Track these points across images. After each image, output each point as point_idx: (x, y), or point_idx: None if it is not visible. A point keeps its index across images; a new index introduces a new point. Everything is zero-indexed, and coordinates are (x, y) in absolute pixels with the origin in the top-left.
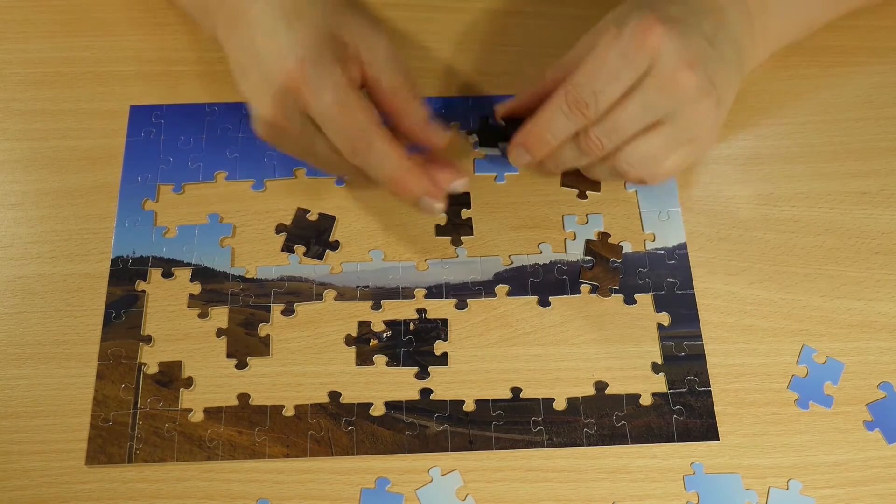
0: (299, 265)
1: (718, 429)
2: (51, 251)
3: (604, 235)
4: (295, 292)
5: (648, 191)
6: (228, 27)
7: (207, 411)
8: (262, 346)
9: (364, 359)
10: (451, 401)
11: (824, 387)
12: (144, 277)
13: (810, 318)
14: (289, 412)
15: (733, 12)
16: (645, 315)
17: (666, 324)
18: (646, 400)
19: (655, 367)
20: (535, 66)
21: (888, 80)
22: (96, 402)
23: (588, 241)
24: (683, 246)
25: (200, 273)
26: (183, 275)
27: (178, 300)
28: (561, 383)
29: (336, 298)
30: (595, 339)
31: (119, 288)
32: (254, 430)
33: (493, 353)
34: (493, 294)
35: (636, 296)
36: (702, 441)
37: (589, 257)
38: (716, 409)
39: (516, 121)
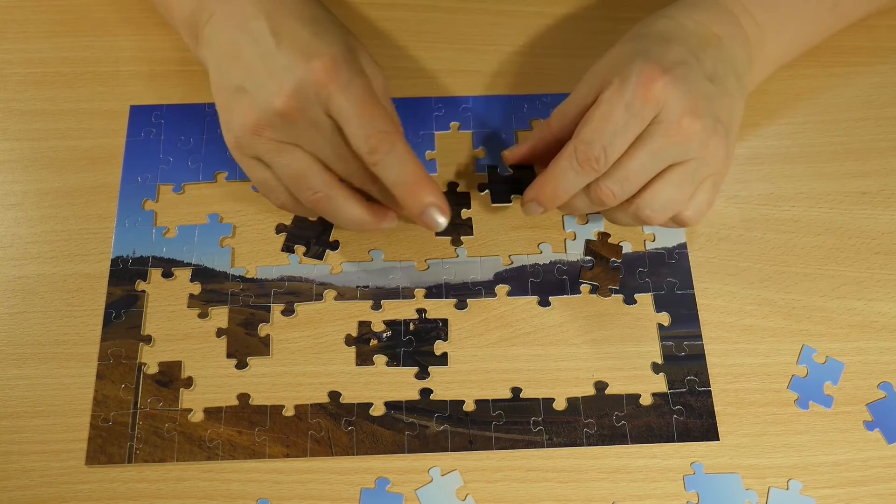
0: (299, 265)
1: (718, 429)
2: (51, 251)
3: (604, 235)
4: (295, 292)
5: None
6: (228, 20)
7: (207, 411)
8: (262, 346)
9: (364, 359)
10: (451, 401)
11: (824, 387)
12: (144, 277)
13: (810, 318)
14: (289, 412)
15: (731, 40)
16: (645, 315)
17: (666, 324)
18: (646, 400)
19: (655, 367)
20: (534, 66)
21: (888, 80)
22: (96, 402)
23: (588, 241)
24: (683, 246)
25: (200, 273)
26: (183, 275)
27: (178, 300)
28: (561, 383)
29: (336, 298)
30: (595, 339)
31: (119, 288)
32: (254, 430)
33: (493, 353)
34: (493, 294)
35: (636, 296)
36: (702, 441)
37: (589, 257)
38: (716, 409)
39: (525, 168)
